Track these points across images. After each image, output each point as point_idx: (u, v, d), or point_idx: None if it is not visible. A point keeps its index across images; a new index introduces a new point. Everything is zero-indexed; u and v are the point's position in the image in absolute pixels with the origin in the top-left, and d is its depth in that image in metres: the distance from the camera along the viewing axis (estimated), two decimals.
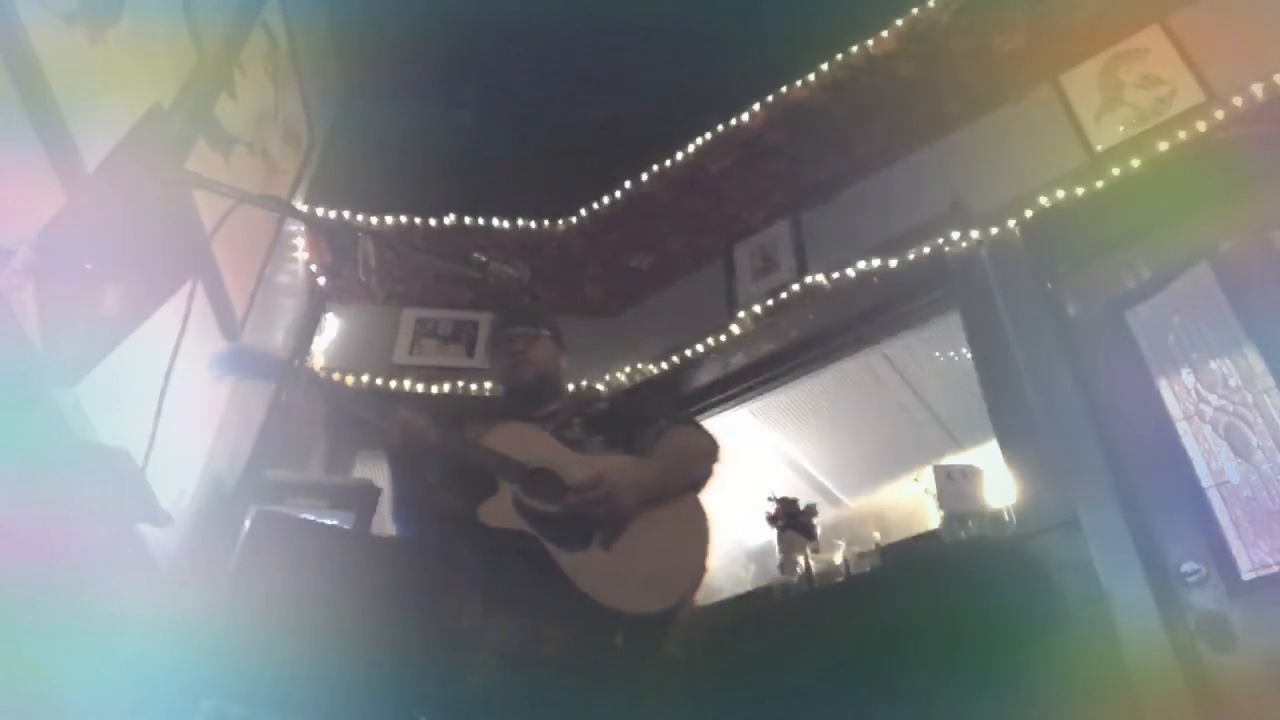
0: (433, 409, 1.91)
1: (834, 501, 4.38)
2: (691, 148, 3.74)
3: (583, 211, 4.00)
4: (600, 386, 3.54)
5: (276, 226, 3.18)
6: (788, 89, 3.56)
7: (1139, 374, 2.57)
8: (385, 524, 3.00)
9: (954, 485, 2.62)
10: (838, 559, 2.71)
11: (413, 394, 3.55)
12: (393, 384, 3.56)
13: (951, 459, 3.17)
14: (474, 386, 3.61)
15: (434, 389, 3.55)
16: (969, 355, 2.95)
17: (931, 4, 3.29)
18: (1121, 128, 2.92)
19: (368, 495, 2.87)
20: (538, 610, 1.72)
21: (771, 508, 3.02)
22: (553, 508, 1.78)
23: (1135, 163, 2.78)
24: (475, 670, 1.68)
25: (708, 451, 2.03)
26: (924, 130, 3.39)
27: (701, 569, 1.83)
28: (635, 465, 1.91)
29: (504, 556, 1.78)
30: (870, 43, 3.39)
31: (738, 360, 3.49)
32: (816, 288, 3.30)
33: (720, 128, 3.68)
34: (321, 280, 3.74)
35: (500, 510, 1.78)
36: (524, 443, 1.89)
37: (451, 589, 1.79)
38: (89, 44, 1.93)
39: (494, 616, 1.74)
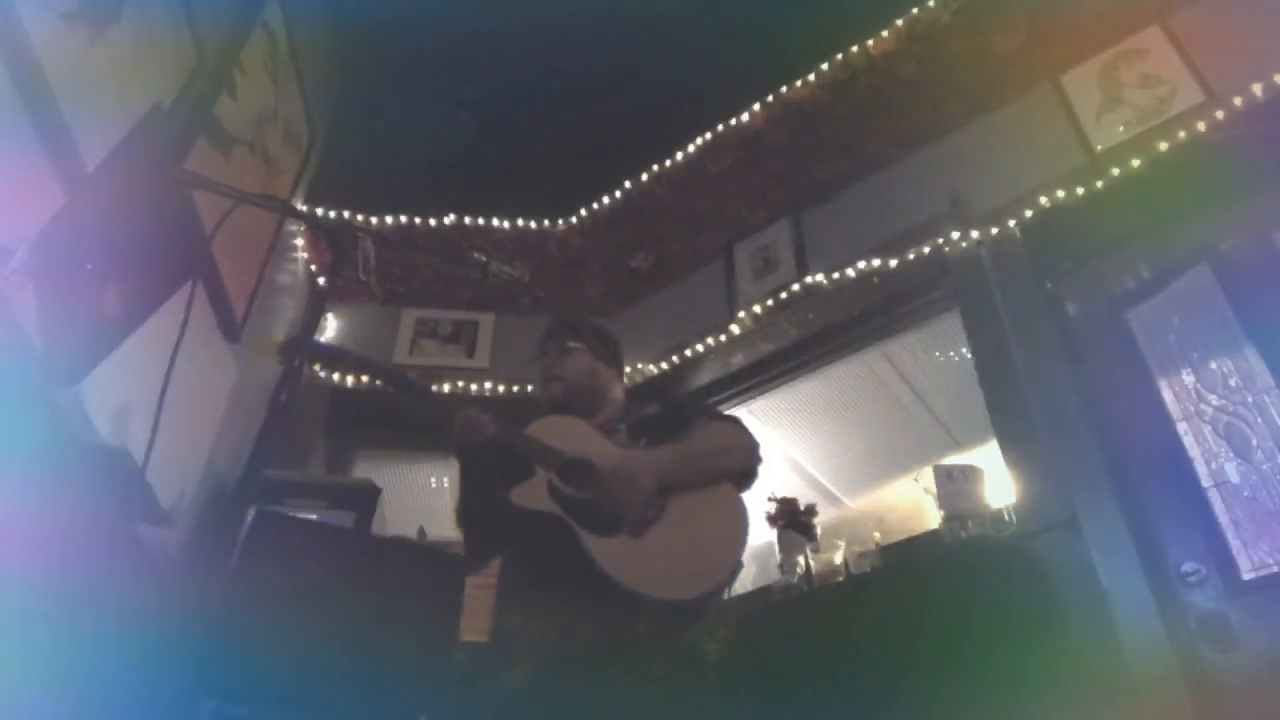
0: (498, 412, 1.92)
1: (834, 501, 4.37)
2: (691, 148, 3.74)
3: (583, 211, 4.00)
4: None
5: (276, 226, 3.18)
6: (788, 89, 3.56)
7: (1139, 374, 2.57)
8: (385, 524, 3.00)
9: (954, 485, 2.62)
10: (838, 559, 2.71)
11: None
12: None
13: (951, 459, 3.16)
14: (474, 386, 3.61)
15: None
16: (969, 355, 2.95)
17: (931, 4, 3.29)
18: (1121, 128, 2.92)
19: (368, 495, 2.87)
20: (571, 609, 1.73)
21: (771, 508, 3.01)
22: (584, 494, 1.79)
23: (1135, 163, 2.78)
24: (514, 670, 1.71)
25: (742, 447, 1.99)
26: (924, 130, 3.39)
27: (732, 563, 1.81)
28: (655, 451, 1.91)
29: (541, 563, 1.80)
30: (870, 43, 3.39)
31: (738, 360, 3.49)
32: (816, 288, 3.30)
33: (720, 128, 3.69)
34: (321, 280, 3.74)
35: (533, 492, 1.80)
36: (567, 434, 1.90)
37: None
38: (89, 44, 1.92)
39: (531, 617, 1.76)
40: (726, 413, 2.11)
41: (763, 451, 2.01)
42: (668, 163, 3.79)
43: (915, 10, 3.32)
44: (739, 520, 1.88)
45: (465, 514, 1.99)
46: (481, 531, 1.99)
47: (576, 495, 1.79)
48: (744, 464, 1.97)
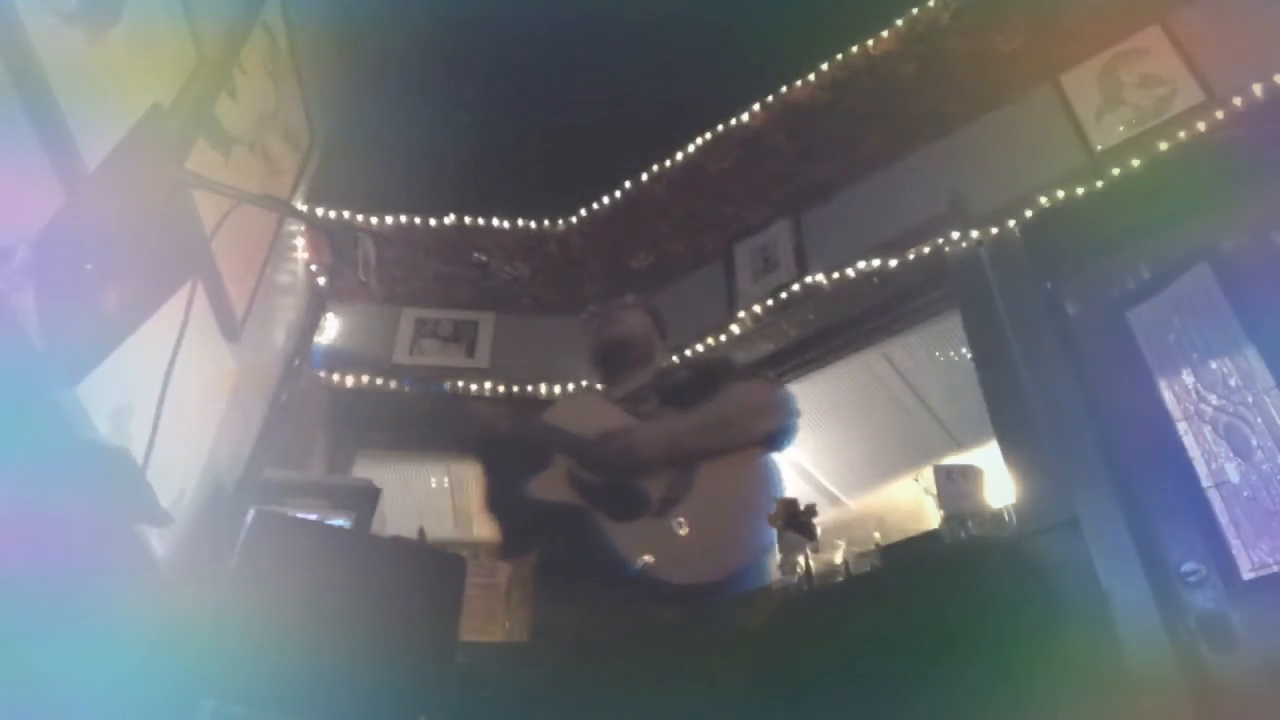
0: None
1: (834, 501, 4.37)
2: (691, 148, 3.74)
3: (583, 211, 4.00)
4: (599, 386, 3.54)
5: (276, 226, 3.18)
6: (788, 89, 3.56)
7: (1139, 374, 2.57)
8: (385, 524, 3.00)
9: (954, 485, 2.61)
10: (838, 559, 2.71)
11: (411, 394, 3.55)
12: (392, 384, 3.56)
13: (951, 459, 3.17)
14: (474, 386, 3.61)
15: (433, 389, 3.55)
16: (969, 355, 2.95)
17: (931, 4, 3.29)
18: (1121, 128, 2.92)
19: (368, 495, 2.87)
20: (600, 599, 1.70)
21: (771, 508, 3.01)
22: (603, 477, 1.74)
23: (1135, 163, 2.78)
24: (545, 660, 1.67)
25: (766, 406, 1.89)
26: (924, 130, 3.39)
27: (754, 539, 1.74)
28: (668, 419, 1.84)
29: (569, 550, 1.75)
30: (870, 43, 3.40)
31: (738, 360, 3.49)
32: (816, 288, 3.30)
33: (720, 128, 3.69)
34: (321, 280, 3.74)
35: (552, 483, 1.77)
36: (586, 414, 1.87)
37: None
38: (89, 44, 1.92)
39: (560, 608, 1.73)
40: (754, 370, 2.01)
41: (795, 405, 1.90)
42: (668, 163, 3.79)
43: (915, 10, 3.33)
44: (762, 491, 1.78)
45: (493, 509, 1.94)
46: (513, 525, 1.93)
47: (595, 480, 1.74)
48: (770, 425, 1.87)
